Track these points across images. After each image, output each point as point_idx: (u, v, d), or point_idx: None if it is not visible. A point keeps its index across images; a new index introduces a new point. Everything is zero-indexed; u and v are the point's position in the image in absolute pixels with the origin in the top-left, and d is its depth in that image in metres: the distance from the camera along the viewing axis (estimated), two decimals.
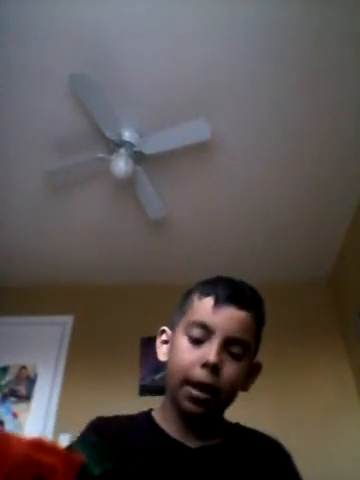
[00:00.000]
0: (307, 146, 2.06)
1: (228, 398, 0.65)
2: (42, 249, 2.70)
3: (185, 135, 1.86)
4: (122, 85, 1.80)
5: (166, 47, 1.67)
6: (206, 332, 0.65)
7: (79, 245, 2.67)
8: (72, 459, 0.33)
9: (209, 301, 0.67)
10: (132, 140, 1.93)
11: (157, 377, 2.46)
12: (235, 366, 0.64)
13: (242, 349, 0.65)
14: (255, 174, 2.21)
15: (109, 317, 2.79)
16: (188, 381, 0.63)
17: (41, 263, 2.81)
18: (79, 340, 2.67)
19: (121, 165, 1.88)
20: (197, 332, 0.65)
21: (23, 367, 2.55)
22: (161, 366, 2.28)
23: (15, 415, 2.37)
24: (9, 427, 2.32)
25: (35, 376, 2.52)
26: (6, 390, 2.46)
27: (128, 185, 2.16)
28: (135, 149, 1.94)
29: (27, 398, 2.43)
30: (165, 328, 0.77)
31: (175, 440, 0.65)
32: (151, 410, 0.74)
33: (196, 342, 0.65)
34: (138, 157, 1.98)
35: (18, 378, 2.51)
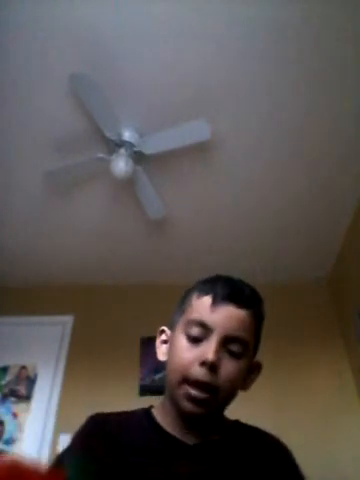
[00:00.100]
0: (307, 146, 2.05)
1: (227, 397, 0.65)
2: (42, 249, 2.70)
3: (185, 135, 1.86)
4: (122, 85, 1.80)
5: (166, 47, 1.67)
6: (205, 330, 0.65)
7: (79, 245, 2.67)
8: None
9: (207, 300, 0.67)
10: (132, 140, 1.93)
11: (157, 377, 2.46)
12: (234, 364, 0.64)
13: (241, 347, 0.65)
14: (255, 174, 2.20)
15: (109, 317, 2.79)
16: (186, 380, 0.63)
17: (41, 263, 2.81)
18: (79, 340, 2.67)
19: (121, 165, 1.88)
20: (196, 331, 0.65)
21: (23, 367, 2.55)
22: (161, 366, 2.27)
23: (15, 415, 2.37)
24: (9, 427, 2.32)
25: (35, 376, 2.52)
26: (6, 390, 2.46)
27: (128, 185, 2.16)
28: (135, 149, 1.93)
29: (27, 398, 2.43)
30: (164, 328, 0.77)
31: (174, 437, 0.65)
32: (151, 407, 0.74)
33: (195, 341, 0.65)
34: (138, 157, 1.98)
35: (18, 378, 2.51)
